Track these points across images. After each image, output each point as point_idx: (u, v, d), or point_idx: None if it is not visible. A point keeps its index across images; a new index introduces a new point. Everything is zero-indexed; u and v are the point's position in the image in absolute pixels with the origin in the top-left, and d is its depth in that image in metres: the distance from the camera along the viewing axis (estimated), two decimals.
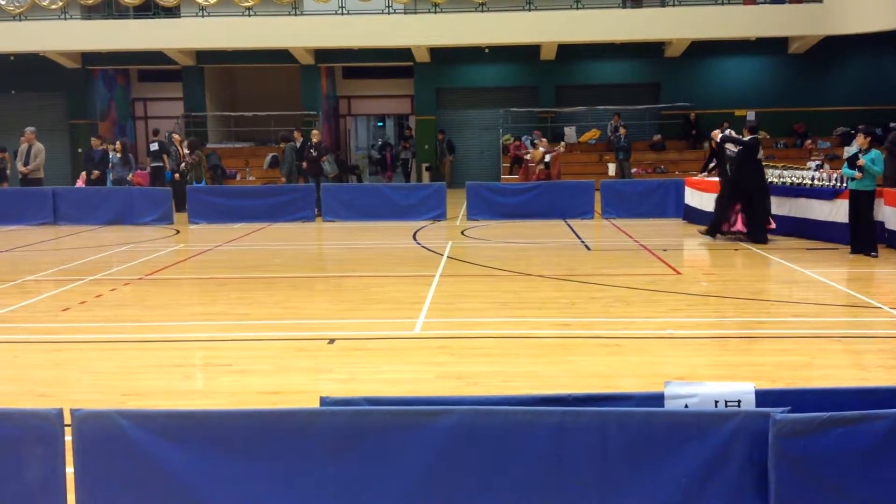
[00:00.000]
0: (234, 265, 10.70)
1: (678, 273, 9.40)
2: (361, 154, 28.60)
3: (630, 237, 12.51)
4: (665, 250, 11.05)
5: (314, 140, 16.91)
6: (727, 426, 2.83)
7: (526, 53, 22.92)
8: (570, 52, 22.80)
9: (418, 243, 12.36)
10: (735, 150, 11.82)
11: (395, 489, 2.97)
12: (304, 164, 16.72)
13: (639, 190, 15.60)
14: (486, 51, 22.83)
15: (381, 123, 31.77)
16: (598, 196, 15.58)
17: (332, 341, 6.53)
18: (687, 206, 14.44)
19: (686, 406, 2.96)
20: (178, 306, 8.11)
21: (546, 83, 23.66)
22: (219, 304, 8.21)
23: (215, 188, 16.40)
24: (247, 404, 4.98)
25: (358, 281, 9.45)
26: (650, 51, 22.84)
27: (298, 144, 17.15)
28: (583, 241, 12.28)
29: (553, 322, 7.03)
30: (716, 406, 2.95)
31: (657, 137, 23.02)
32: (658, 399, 3.02)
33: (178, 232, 14.12)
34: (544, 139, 19.21)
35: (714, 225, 12.05)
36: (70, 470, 2.86)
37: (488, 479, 2.97)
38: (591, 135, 23.46)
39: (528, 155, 18.72)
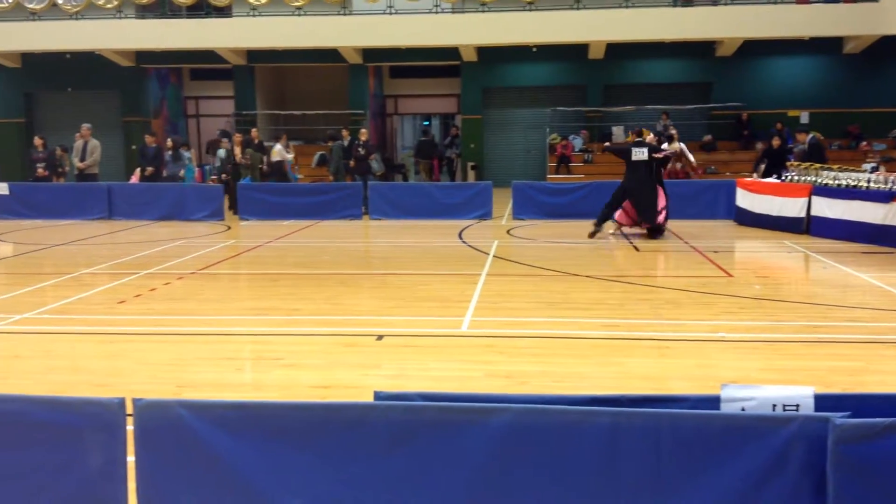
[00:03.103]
0: (284, 261, 10.85)
1: (730, 276, 9.26)
2: (407, 153, 28.72)
3: (680, 238, 12.35)
4: (716, 252, 10.90)
5: (362, 139, 17.04)
6: (785, 431, 2.77)
7: (574, 52, 22.77)
8: (619, 51, 22.58)
9: (464, 242, 12.37)
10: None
11: (446, 485, 2.98)
12: (352, 163, 16.86)
13: (688, 191, 15.36)
14: (534, 50, 22.74)
15: (426, 122, 31.86)
16: None
17: (380, 337, 6.57)
18: (738, 207, 14.19)
19: (743, 409, 2.92)
20: (230, 301, 8.25)
21: (594, 82, 23.48)
22: (269, 299, 8.32)
23: (264, 185, 16.60)
24: (297, 398, 5.04)
25: (404, 278, 9.50)
26: (701, 50, 22.52)
27: (346, 143, 17.30)
28: (631, 242, 12.16)
29: (601, 323, 6.98)
30: (773, 410, 2.91)
31: (708, 138, 22.69)
32: (714, 402, 2.97)
33: (228, 228, 14.35)
34: (675, 130, 18.72)
35: None
36: (131, 458, 2.93)
37: (539, 479, 2.96)
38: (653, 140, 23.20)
39: (666, 147, 18.34)
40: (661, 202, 12.49)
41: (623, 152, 12.82)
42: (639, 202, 12.45)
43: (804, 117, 21.20)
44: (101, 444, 2.87)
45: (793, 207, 12.60)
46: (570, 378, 5.54)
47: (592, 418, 2.86)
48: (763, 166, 15.26)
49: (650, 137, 13.36)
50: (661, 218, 12.50)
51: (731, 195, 14.51)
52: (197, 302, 8.12)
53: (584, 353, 6.16)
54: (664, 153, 12.90)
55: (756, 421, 2.81)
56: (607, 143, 14.83)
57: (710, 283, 8.70)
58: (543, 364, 5.89)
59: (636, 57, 22.99)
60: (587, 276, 9.17)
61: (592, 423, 2.86)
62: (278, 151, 17.38)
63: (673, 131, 18.57)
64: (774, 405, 2.91)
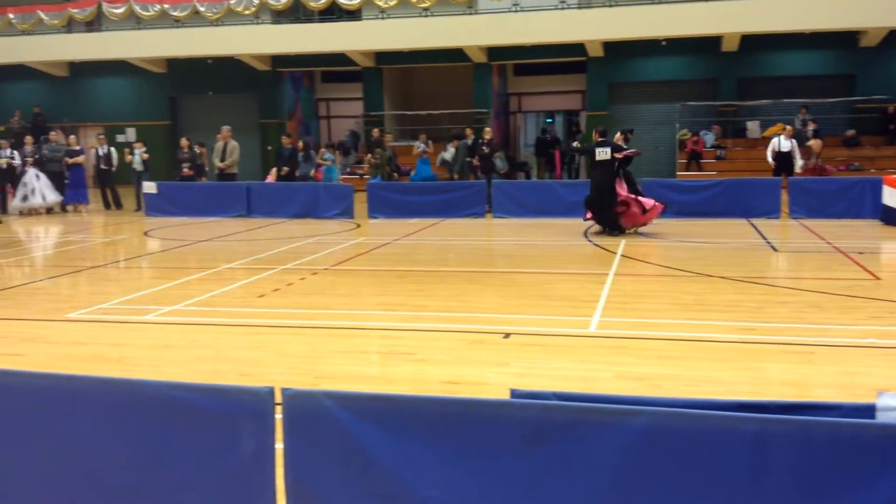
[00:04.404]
0: (411, 258, 11.06)
1: (877, 278, 8.72)
2: (530, 151, 28.61)
3: (821, 238, 11.73)
4: (861, 253, 10.28)
5: (486, 137, 17.12)
6: None
7: (706, 45, 22.03)
8: (755, 43, 21.67)
9: (589, 240, 12.21)
10: None
11: (581, 486, 2.96)
12: (476, 161, 16.97)
13: (831, 188, 14.59)
14: (663, 43, 22.16)
15: (549, 120, 31.62)
16: (784, 194, 14.74)
17: (507, 335, 6.60)
18: (885, 206, 13.33)
19: None
20: (361, 296, 8.49)
21: (727, 76, 22.64)
22: (398, 295, 8.51)
23: (391, 184, 16.98)
24: (427, 392, 5.13)
25: (530, 277, 9.48)
26: (843, 40, 21.28)
27: (470, 142, 17.43)
28: (768, 242, 11.65)
29: (738, 326, 6.73)
30: None
31: (851, 132, 21.42)
32: (868, 410, 2.81)
33: (358, 226, 14.75)
34: (813, 125, 17.94)
35: None
36: (279, 446, 3.06)
37: (678, 486, 2.89)
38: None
39: (810, 143, 17.74)
40: (623, 197, 12.47)
41: (587, 152, 13.09)
42: (600, 202, 12.48)
43: None
44: (252, 430, 3.02)
45: None
46: (704, 382, 5.38)
47: (737, 425, 2.77)
48: None
49: (616, 136, 13.06)
50: (631, 219, 12.48)
51: (877, 193, 13.65)
52: (330, 297, 8.40)
53: (720, 356, 5.96)
54: (625, 153, 12.57)
55: None
56: (575, 143, 14.62)
57: (856, 286, 8.21)
58: (676, 367, 5.74)
59: (772, 48, 21.99)
60: (721, 277, 8.86)
61: (737, 429, 2.76)
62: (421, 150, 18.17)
63: (811, 126, 17.68)
64: None
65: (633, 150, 12.86)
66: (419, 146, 18.70)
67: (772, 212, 14.39)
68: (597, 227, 13.01)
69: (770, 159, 16.47)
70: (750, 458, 2.78)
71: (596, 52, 22.68)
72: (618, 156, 12.47)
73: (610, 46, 22.57)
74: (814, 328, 6.62)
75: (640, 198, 12.66)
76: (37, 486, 3.36)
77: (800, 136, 19.03)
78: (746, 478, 2.80)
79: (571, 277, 9.31)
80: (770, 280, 8.79)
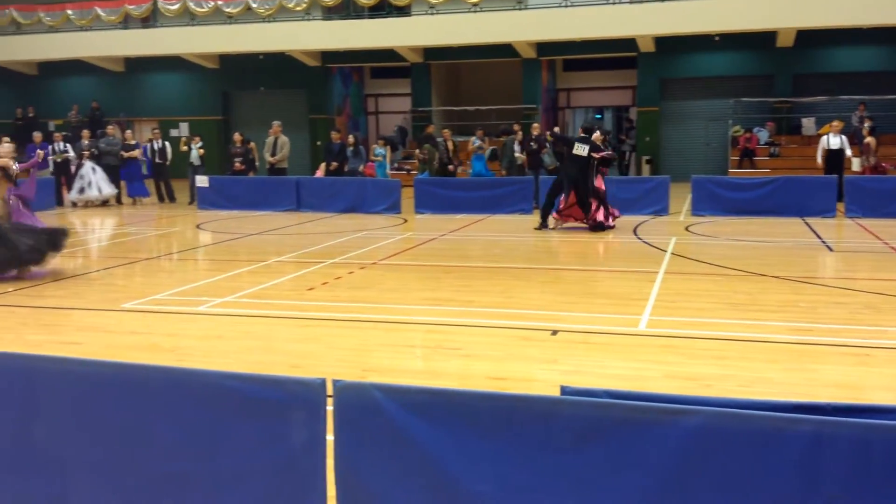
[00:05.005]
0: (458, 254, 11.07)
1: None
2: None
3: (878, 238, 11.43)
4: None
5: (534, 133, 17.03)
6: None
7: (760, 40, 21.60)
8: (811, 38, 21.17)
9: (639, 238, 12.08)
10: None
11: (631, 485, 2.93)
12: (524, 157, 16.90)
13: (887, 187, 14.19)
14: (717, 38, 21.79)
15: (598, 116, 31.33)
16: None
17: (554, 332, 6.57)
18: None
19: None
20: (409, 290, 8.53)
21: (782, 71, 22.17)
22: (445, 290, 8.53)
23: (438, 180, 17.00)
24: (474, 388, 5.13)
25: (578, 274, 9.42)
26: None
27: (519, 138, 17.35)
28: (823, 242, 11.40)
29: (791, 327, 6.60)
30: None
31: None
32: None
33: (405, 221, 14.82)
34: (870, 122, 17.54)
35: None
36: (330, 437, 3.10)
37: (730, 487, 2.85)
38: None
39: (867, 140, 17.38)
40: (595, 199, 12.70)
41: (566, 142, 13.11)
42: (577, 195, 12.66)
43: None
44: (304, 421, 3.06)
45: None
46: (757, 383, 5.29)
47: (793, 426, 2.72)
48: None
49: (596, 135, 13.10)
50: (600, 216, 12.68)
51: None
52: (378, 291, 8.46)
53: (772, 357, 5.85)
54: (603, 154, 12.79)
55: None
56: (556, 129, 14.70)
57: None
58: (727, 367, 5.65)
59: (828, 44, 21.47)
60: (774, 277, 8.69)
61: (793, 431, 2.71)
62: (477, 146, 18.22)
63: (867, 122, 17.19)
64: None
65: (609, 153, 13.24)
66: (474, 142, 18.56)
67: (827, 210, 14.07)
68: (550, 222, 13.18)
69: (819, 159, 16.12)
70: (805, 461, 2.73)
71: (647, 47, 22.40)
72: (595, 155, 12.64)
73: (662, 41, 22.27)
74: (869, 330, 6.46)
75: (603, 203, 12.89)
76: (94, 471, 3.45)
77: (857, 133, 18.54)
78: (800, 481, 2.75)
79: (620, 275, 9.22)
80: (825, 280, 8.61)
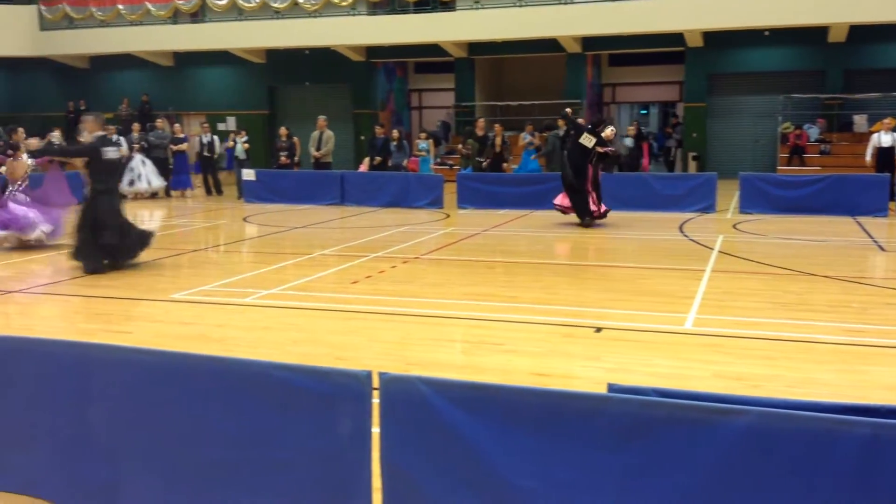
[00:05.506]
0: (500, 249, 11.05)
1: None
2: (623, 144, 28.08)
3: None
4: None
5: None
6: None
7: (812, 35, 21.12)
8: (864, 34, 20.64)
9: (685, 236, 11.93)
10: None
11: (677, 484, 2.90)
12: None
13: None
14: (766, 33, 21.37)
15: (644, 111, 30.98)
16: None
17: (598, 330, 6.52)
18: None
19: None
20: (451, 285, 8.53)
21: (834, 67, 21.66)
22: (487, 285, 8.52)
23: (481, 175, 16.96)
24: (516, 383, 5.12)
25: (623, 271, 9.33)
26: None
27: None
28: (875, 241, 11.13)
29: (842, 328, 6.46)
30: None
31: None
32: None
33: (447, 216, 14.83)
34: None
35: None
36: (375, 430, 3.12)
37: (779, 488, 2.81)
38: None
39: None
40: (591, 191, 12.86)
41: (578, 130, 13.05)
42: (570, 184, 12.81)
43: None
44: (350, 413, 3.09)
45: None
46: (806, 384, 5.19)
47: (847, 428, 2.66)
48: None
49: (607, 132, 13.07)
50: (593, 206, 12.85)
51: None
52: (421, 285, 8.49)
53: (822, 358, 5.74)
54: (608, 149, 12.86)
55: None
56: (568, 109, 15.23)
57: None
58: (776, 368, 5.56)
59: (883, 39, 20.90)
60: (825, 277, 8.51)
61: (847, 433, 2.66)
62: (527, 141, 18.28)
63: None
64: None
65: (613, 149, 13.30)
66: (525, 137, 18.45)
67: (879, 210, 13.72)
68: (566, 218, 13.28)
69: (868, 157, 15.74)
70: (860, 463, 2.67)
71: (695, 41, 22.06)
72: (600, 149, 12.68)
73: (710, 36, 21.92)
74: None
75: (595, 195, 12.96)
76: (145, 459, 3.52)
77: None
78: (855, 483, 2.70)
79: (666, 273, 9.12)
80: (876, 280, 8.41)
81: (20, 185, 11.10)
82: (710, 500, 2.88)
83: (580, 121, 13.43)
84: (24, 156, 11.24)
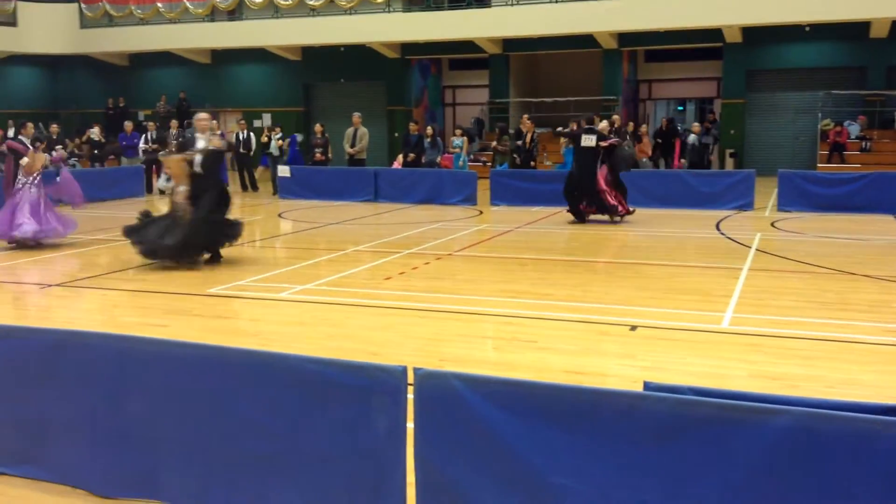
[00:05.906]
0: (534, 246, 11.01)
1: None
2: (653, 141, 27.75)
3: None
4: None
5: (614, 125, 16.75)
6: None
7: (853, 31, 20.71)
8: None
9: (722, 234, 11.78)
10: None
11: (714, 483, 2.87)
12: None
13: None
14: (807, 29, 21.00)
15: (680, 108, 30.61)
16: None
17: (633, 328, 6.47)
18: None
19: None
20: (484, 282, 8.52)
21: (876, 64, 21.21)
22: (520, 282, 8.49)
23: (515, 172, 16.92)
24: (552, 381, 5.10)
25: (659, 269, 9.24)
26: None
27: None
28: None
29: (883, 328, 6.34)
30: None
31: None
32: None
33: (481, 213, 14.81)
34: None
35: None
36: (409, 425, 3.13)
37: (820, 490, 2.76)
38: None
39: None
40: (610, 190, 12.85)
41: (573, 137, 13.19)
42: (582, 188, 12.82)
43: None
44: (385, 407, 3.10)
45: None
46: (846, 385, 5.10)
47: (889, 429, 2.61)
48: None
49: (602, 125, 13.30)
50: (612, 201, 12.82)
51: None
52: (454, 282, 8.49)
53: (862, 358, 5.63)
54: (611, 141, 12.92)
55: None
56: (559, 129, 15.06)
57: None
58: (814, 368, 5.47)
59: None
60: (865, 276, 8.35)
61: (889, 434, 2.61)
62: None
63: None
64: None
65: (614, 139, 13.30)
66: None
67: None
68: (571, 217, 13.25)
69: None
70: None
71: (734, 37, 21.75)
72: (603, 144, 12.69)
73: (749, 32, 21.60)
74: None
75: (615, 193, 12.95)
76: (182, 449, 3.57)
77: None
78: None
79: (703, 271, 9.01)
80: None
81: (34, 179, 11.19)
82: (747, 500, 2.84)
83: (573, 126, 13.39)
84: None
